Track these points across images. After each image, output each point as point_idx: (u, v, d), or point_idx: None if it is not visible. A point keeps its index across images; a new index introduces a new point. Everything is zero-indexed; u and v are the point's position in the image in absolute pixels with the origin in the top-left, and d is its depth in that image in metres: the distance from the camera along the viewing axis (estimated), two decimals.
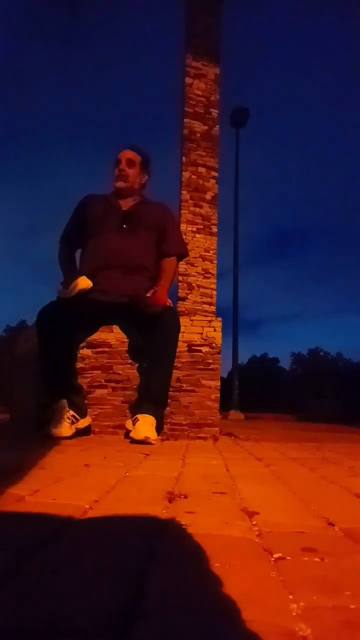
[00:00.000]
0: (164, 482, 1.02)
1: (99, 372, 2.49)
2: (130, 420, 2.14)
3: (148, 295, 2.17)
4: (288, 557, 0.56)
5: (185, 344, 2.50)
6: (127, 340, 2.41)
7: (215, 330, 2.55)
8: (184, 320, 2.41)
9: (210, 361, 2.53)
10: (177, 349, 2.19)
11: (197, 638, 0.36)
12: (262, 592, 0.45)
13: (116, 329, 2.43)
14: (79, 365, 2.40)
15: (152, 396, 2.09)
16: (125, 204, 2.33)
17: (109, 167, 2.38)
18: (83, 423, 2.19)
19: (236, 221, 12.29)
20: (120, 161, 2.33)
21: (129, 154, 2.34)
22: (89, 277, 2.21)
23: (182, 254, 2.44)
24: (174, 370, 2.24)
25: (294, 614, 0.41)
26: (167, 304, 2.21)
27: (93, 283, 2.18)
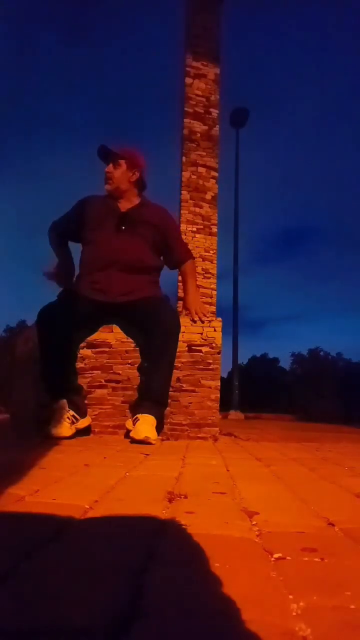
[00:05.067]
0: (164, 482, 1.02)
1: (99, 372, 2.49)
2: (130, 420, 2.14)
3: (187, 315, 2.52)
4: (288, 557, 0.56)
5: (185, 344, 2.50)
6: (128, 340, 2.41)
7: (215, 330, 2.55)
8: (184, 320, 2.41)
9: (210, 361, 2.53)
10: (177, 349, 2.19)
11: (197, 638, 0.36)
12: (262, 592, 0.45)
13: (116, 329, 2.43)
14: (79, 365, 2.40)
15: (153, 396, 2.09)
16: (123, 206, 2.33)
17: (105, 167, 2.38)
18: (83, 423, 2.19)
19: (236, 221, 12.29)
20: (106, 164, 2.33)
21: (102, 157, 2.35)
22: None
23: (192, 257, 2.55)
24: (174, 370, 2.24)
25: (294, 614, 0.41)
26: (204, 310, 2.56)
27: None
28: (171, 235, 2.40)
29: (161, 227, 2.35)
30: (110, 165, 2.32)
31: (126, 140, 2.44)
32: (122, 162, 2.32)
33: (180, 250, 2.45)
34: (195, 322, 2.51)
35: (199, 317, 2.51)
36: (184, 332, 2.40)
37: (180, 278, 2.70)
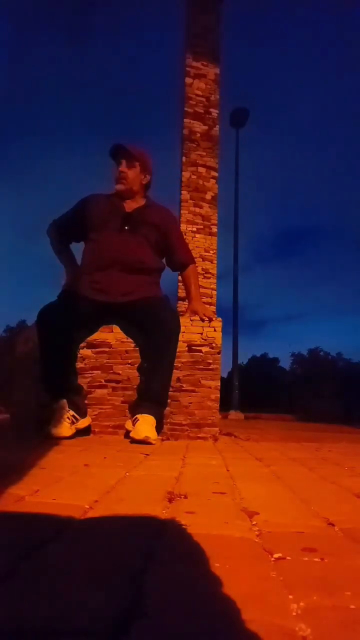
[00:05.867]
0: (164, 482, 1.02)
1: (99, 372, 2.49)
2: (130, 420, 2.14)
3: (193, 318, 2.50)
4: (288, 557, 0.56)
5: (185, 344, 2.50)
6: (128, 340, 2.41)
7: (215, 330, 2.55)
8: (183, 320, 2.41)
9: (210, 361, 2.53)
10: (177, 349, 2.19)
11: (197, 638, 0.36)
12: (262, 592, 0.45)
13: (116, 329, 2.43)
14: (79, 365, 2.40)
15: (152, 396, 2.09)
16: (129, 206, 2.32)
17: (108, 166, 2.37)
18: (83, 423, 2.19)
19: (236, 221, 12.29)
20: (119, 163, 2.31)
21: (121, 155, 2.33)
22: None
23: (194, 261, 2.54)
24: (174, 370, 2.24)
25: (294, 614, 0.41)
26: (208, 313, 2.53)
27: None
28: (173, 238, 2.40)
29: (163, 228, 2.34)
30: (125, 165, 2.31)
31: (139, 142, 2.43)
32: (137, 163, 2.32)
33: (182, 254, 2.45)
34: (203, 321, 2.51)
35: (208, 318, 2.52)
36: (184, 332, 2.40)
37: (180, 278, 2.69)
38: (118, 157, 2.33)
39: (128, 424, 2.16)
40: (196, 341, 2.53)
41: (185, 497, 0.88)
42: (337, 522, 0.73)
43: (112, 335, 2.50)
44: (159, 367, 2.10)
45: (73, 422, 2.09)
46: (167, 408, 2.26)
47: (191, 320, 2.52)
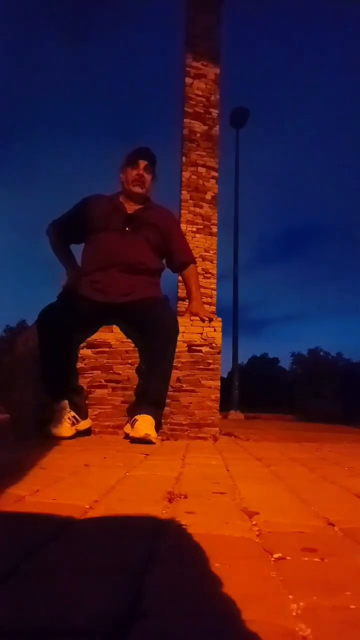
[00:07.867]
0: (164, 482, 1.02)
1: (99, 372, 2.49)
2: (128, 424, 2.12)
3: (192, 318, 2.50)
4: (288, 557, 0.56)
5: (185, 344, 2.50)
6: (128, 340, 2.41)
7: (215, 330, 2.55)
8: (183, 321, 2.41)
9: (210, 361, 2.53)
10: (177, 349, 2.19)
11: (197, 638, 0.36)
12: (262, 592, 0.45)
13: (116, 329, 2.43)
14: (79, 365, 2.40)
15: (151, 397, 2.08)
16: (130, 207, 2.32)
17: (110, 166, 2.37)
18: (84, 425, 2.18)
19: (236, 221, 12.30)
20: (139, 165, 2.30)
21: (147, 159, 2.33)
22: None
23: (194, 261, 2.54)
24: (174, 370, 2.24)
25: (294, 614, 0.41)
26: (208, 314, 2.54)
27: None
28: (174, 238, 2.40)
29: (164, 229, 2.35)
30: (143, 169, 2.31)
31: (140, 143, 2.43)
32: (152, 169, 2.34)
33: (183, 254, 2.45)
34: (204, 321, 2.52)
35: (208, 319, 2.53)
36: (183, 332, 2.40)
37: (180, 278, 2.69)
38: (138, 161, 2.31)
39: (127, 428, 2.14)
40: (196, 341, 2.53)
41: (185, 497, 0.88)
42: (337, 522, 0.73)
43: (112, 335, 2.50)
44: (158, 369, 2.10)
45: (74, 423, 2.09)
46: (166, 408, 2.25)
47: (191, 320, 2.53)
